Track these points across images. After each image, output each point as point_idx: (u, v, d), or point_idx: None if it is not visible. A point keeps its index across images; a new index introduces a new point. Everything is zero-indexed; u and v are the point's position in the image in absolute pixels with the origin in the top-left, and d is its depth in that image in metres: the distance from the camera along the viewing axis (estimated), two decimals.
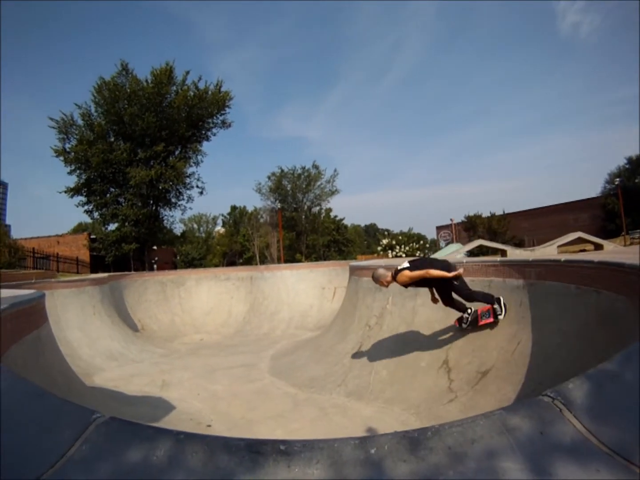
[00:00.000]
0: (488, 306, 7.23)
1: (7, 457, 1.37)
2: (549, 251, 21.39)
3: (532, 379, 5.94)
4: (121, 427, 1.47)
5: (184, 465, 1.26)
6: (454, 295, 7.24)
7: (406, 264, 7.05)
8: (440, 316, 8.68)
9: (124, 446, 1.36)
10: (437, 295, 7.41)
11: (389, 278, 7.11)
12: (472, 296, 7.10)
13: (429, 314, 8.92)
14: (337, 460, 1.29)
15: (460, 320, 7.53)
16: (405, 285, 7.14)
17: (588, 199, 44.20)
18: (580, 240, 24.40)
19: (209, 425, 6.76)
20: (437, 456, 1.34)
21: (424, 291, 9.24)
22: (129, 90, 27.27)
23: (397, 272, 6.98)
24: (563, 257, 7.99)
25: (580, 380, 1.78)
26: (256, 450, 1.29)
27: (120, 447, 1.36)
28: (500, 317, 7.10)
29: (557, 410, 1.59)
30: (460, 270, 6.91)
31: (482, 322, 7.30)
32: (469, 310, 7.35)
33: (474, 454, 1.35)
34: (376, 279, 7.37)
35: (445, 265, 7.02)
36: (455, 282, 6.96)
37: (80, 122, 28.08)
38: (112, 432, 1.44)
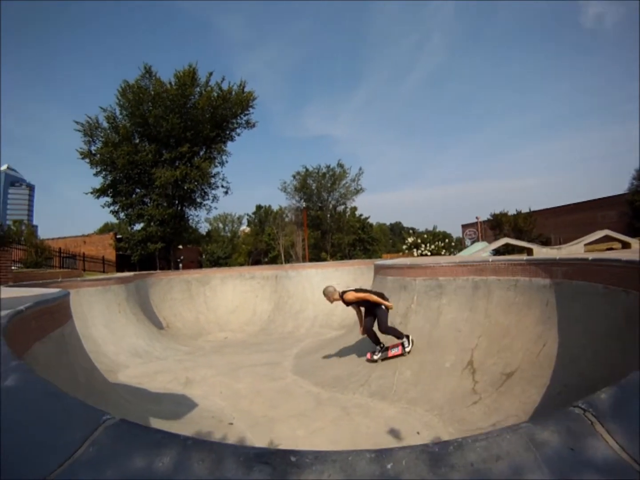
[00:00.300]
0: (398, 342, 8.63)
1: (17, 455, 1.36)
2: (575, 249, 20.92)
3: (557, 381, 5.80)
4: (130, 430, 1.44)
5: (189, 473, 1.21)
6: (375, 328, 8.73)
7: (352, 288, 8.95)
8: (466, 316, 8.55)
9: (131, 450, 1.32)
10: (363, 320, 9.02)
11: (337, 295, 8.71)
12: (387, 330, 8.50)
13: (454, 313, 8.80)
14: (351, 474, 1.21)
15: (372, 353, 8.90)
16: (348, 303, 8.73)
17: (615, 195, 42.67)
18: (607, 239, 23.79)
19: (231, 423, 6.76)
20: (459, 474, 1.24)
21: (450, 290, 9.17)
22: (152, 93, 27.61)
23: (344, 292, 8.71)
24: (590, 255, 7.78)
25: (613, 390, 1.66)
26: (265, 461, 1.22)
27: (127, 450, 1.33)
28: (407, 349, 8.53)
29: (589, 423, 1.47)
30: (392, 304, 8.69)
31: (391, 354, 8.66)
32: (381, 345, 8.82)
33: (498, 472, 1.25)
34: (326, 295, 8.95)
35: (382, 295, 8.81)
36: (384, 309, 8.50)
37: (105, 124, 28.60)
38: (120, 435, 1.41)
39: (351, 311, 17.16)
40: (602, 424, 1.45)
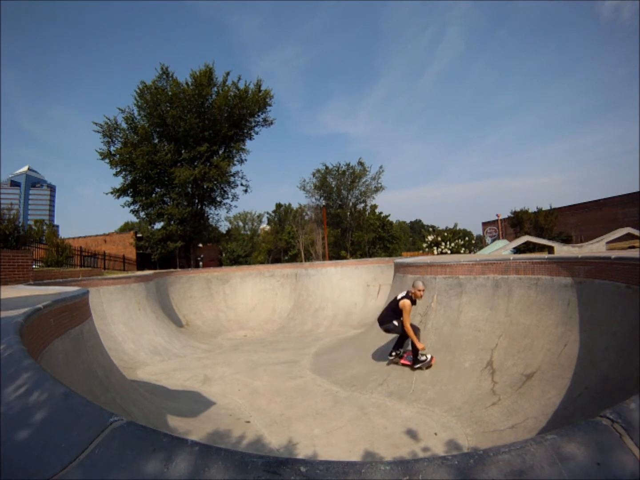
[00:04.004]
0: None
1: (21, 455, 1.35)
2: (597, 247, 20.55)
3: (578, 383, 5.67)
4: (136, 433, 1.40)
5: None
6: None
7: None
8: (486, 315, 8.42)
9: (136, 454, 1.29)
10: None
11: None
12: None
13: (474, 312, 8.66)
14: None
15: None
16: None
17: (637, 192, 41.57)
18: (629, 236, 23.31)
19: (248, 422, 6.76)
20: None
21: (471, 288, 9.04)
22: (170, 93, 27.79)
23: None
24: (613, 254, 7.56)
25: None
26: (273, 471, 1.17)
27: (132, 454, 1.29)
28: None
29: (617, 435, 1.37)
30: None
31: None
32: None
33: None
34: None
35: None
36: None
37: (124, 125, 28.89)
38: (127, 438, 1.37)
39: (371, 309, 17.26)
40: (631, 437, 1.35)
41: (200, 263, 34.72)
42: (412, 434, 5.88)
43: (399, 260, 14.48)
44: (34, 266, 13.03)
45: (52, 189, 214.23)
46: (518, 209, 39.06)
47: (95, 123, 28.29)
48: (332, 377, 9.27)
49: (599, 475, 1.23)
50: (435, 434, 5.87)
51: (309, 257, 45.88)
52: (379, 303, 16.57)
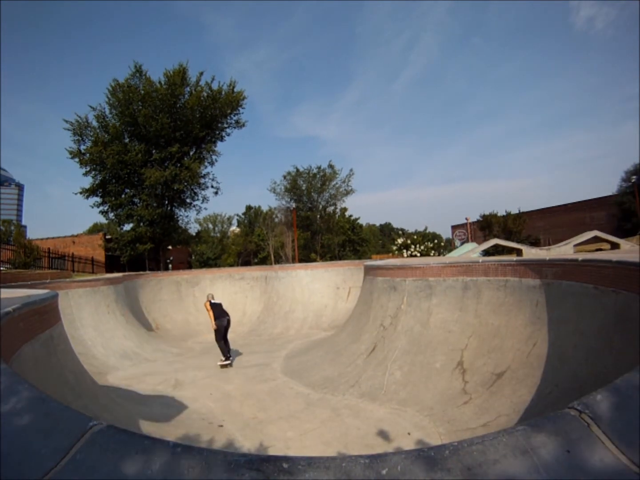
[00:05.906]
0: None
1: (4, 462, 1.32)
2: (564, 250, 21.08)
3: (548, 381, 5.84)
4: (117, 437, 1.39)
5: None
6: None
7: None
8: (456, 316, 8.57)
9: (119, 457, 1.29)
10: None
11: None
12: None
13: (444, 314, 8.80)
14: None
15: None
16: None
17: (604, 197, 42.98)
18: (596, 239, 23.94)
19: (221, 425, 6.71)
20: (456, 478, 1.22)
21: (440, 290, 9.18)
22: (142, 92, 27.28)
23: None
24: (580, 256, 7.84)
25: (609, 391, 1.63)
26: (257, 468, 1.19)
27: (114, 458, 1.29)
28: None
29: (585, 425, 1.44)
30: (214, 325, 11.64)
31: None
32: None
33: (495, 475, 1.23)
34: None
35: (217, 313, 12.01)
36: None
37: (95, 123, 28.16)
38: (108, 442, 1.37)
39: (341, 312, 17.38)
40: (598, 426, 1.43)
41: (170, 265, 34.24)
42: (385, 434, 5.95)
43: (369, 262, 14.61)
44: (0, 268, 12.60)
45: (20, 187, 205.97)
46: (487, 213, 39.83)
47: (66, 121, 27.49)
48: (304, 379, 9.29)
49: (570, 462, 1.29)
50: (409, 433, 5.96)
51: (278, 260, 45.75)
52: (349, 305, 16.68)
